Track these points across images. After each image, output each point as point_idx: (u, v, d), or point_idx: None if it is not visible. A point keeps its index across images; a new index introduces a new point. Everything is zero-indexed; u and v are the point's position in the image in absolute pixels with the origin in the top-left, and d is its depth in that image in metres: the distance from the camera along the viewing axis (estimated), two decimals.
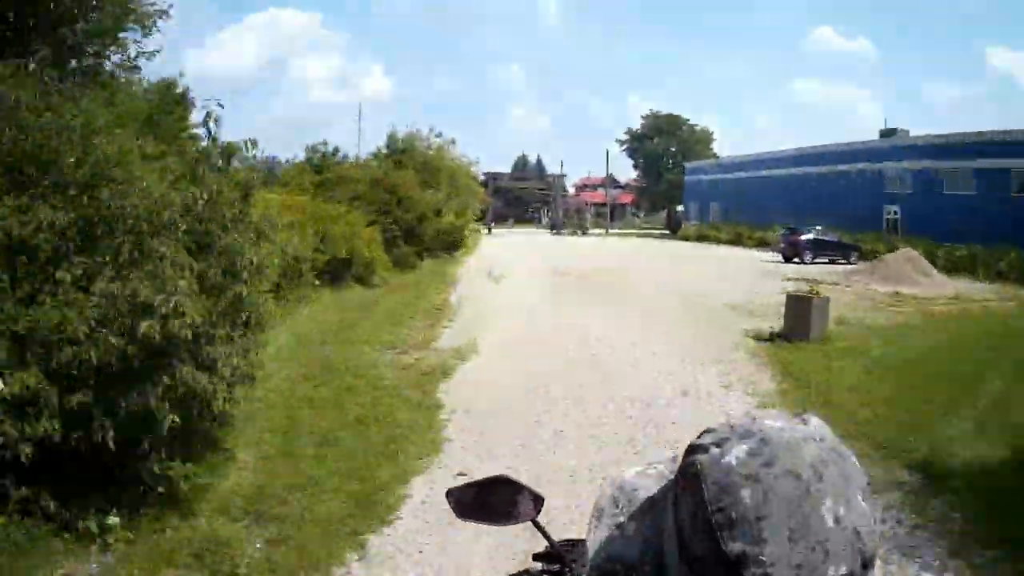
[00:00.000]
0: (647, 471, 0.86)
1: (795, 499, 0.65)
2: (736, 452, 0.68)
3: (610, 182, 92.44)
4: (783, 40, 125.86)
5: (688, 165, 59.65)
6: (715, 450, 0.70)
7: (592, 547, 0.82)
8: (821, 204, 37.39)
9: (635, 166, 79.08)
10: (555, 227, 57.87)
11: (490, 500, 1.24)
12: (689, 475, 0.70)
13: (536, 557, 1.21)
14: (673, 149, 77.68)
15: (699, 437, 0.73)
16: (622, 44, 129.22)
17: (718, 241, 42.58)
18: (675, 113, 79.10)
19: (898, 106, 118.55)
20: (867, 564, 0.66)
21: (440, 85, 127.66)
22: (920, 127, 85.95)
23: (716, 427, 0.74)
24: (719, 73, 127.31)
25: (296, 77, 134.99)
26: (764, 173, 45.28)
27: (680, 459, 0.75)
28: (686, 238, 47.29)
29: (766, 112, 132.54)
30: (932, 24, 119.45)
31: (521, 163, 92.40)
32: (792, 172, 42.35)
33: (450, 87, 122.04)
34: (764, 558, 0.63)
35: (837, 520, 0.65)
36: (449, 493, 1.27)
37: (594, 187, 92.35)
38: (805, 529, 0.64)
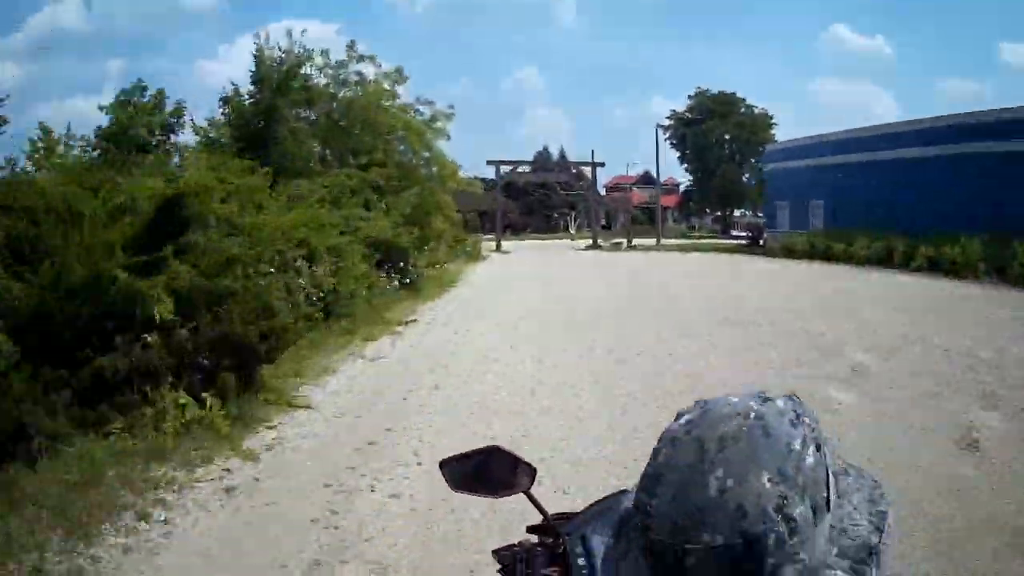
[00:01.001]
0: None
1: (689, 464, 0.70)
2: (681, 419, 0.76)
3: (646, 180, 77.62)
4: (799, 38, 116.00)
5: (770, 147, 43.91)
6: (677, 420, 0.77)
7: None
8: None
9: (682, 158, 63.42)
10: (594, 238, 42.61)
11: (483, 471, 1.30)
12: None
13: (530, 529, 1.26)
14: (727, 137, 62.78)
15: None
16: (639, 44, 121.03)
17: (855, 260, 27.35)
18: (728, 91, 64.20)
19: (912, 103, 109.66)
20: (752, 542, 0.67)
21: (458, 92, 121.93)
22: None
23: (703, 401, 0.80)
24: (736, 71, 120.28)
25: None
26: (908, 154, 29.91)
27: None
28: (778, 252, 32.39)
29: (784, 111, 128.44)
30: (945, 20, 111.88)
31: (543, 158, 77.53)
32: (962, 150, 26.96)
33: (468, 94, 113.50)
34: (650, 509, 0.70)
35: (721, 491, 0.68)
36: (443, 464, 1.35)
37: (628, 187, 76.98)
38: (686, 493, 0.69)
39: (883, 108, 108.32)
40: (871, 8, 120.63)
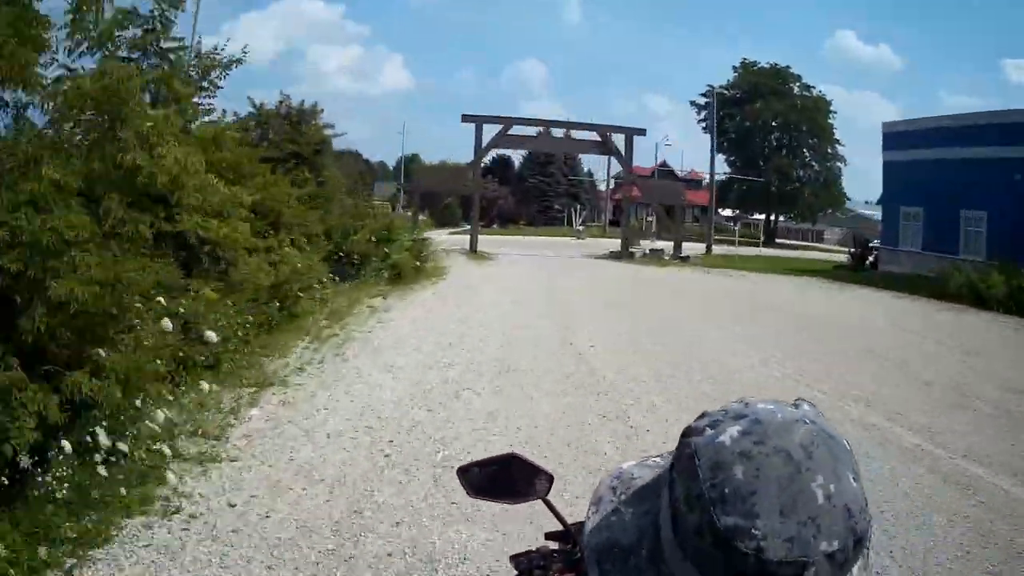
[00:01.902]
0: (646, 462, 0.87)
1: (786, 476, 0.67)
2: (730, 432, 0.71)
3: (664, 173, 64.88)
4: (804, 42, 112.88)
5: (886, 126, 30.52)
6: (709, 431, 0.72)
7: (589, 532, 0.82)
8: None
9: (720, 147, 49.95)
10: (625, 242, 28.99)
11: (501, 479, 1.28)
12: (684, 456, 0.72)
13: (548, 536, 1.27)
14: (775, 123, 50.02)
15: (695, 421, 0.76)
16: (640, 41, 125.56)
17: None
18: (782, 64, 51.36)
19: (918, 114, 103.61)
20: (859, 541, 0.68)
21: (461, 78, 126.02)
22: None
23: (710, 411, 0.76)
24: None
25: (316, 67, 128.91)
26: None
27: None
28: (902, 284, 20.03)
29: None
30: (951, 36, 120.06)
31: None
32: None
33: (471, 79, 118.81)
34: (756, 531, 0.65)
35: (828, 497, 0.66)
36: (460, 471, 1.32)
37: (633, 178, 64.09)
38: (795, 504, 0.66)
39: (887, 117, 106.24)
40: (877, 16, 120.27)
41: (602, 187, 63.58)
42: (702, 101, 50.49)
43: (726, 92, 50.24)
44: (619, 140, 29.16)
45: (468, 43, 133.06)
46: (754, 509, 0.66)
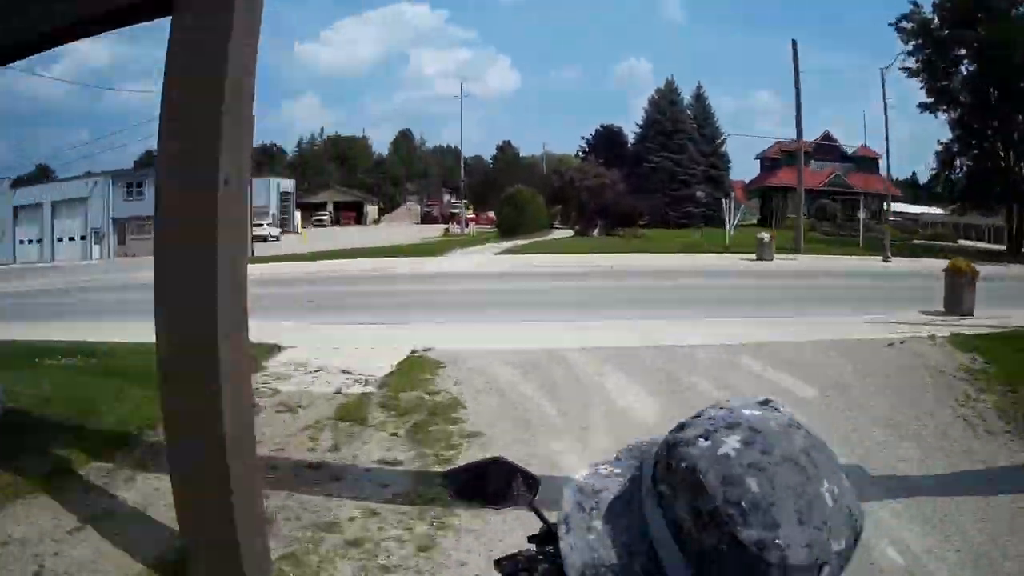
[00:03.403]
0: (599, 471, 0.86)
1: (798, 484, 0.69)
2: (731, 443, 0.72)
3: (825, 150, 49.06)
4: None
5: None
6: (704, 443, 0.73)
7: (568, 556, 0.80)
8: None
9: (928, 106, 33.43)
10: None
11: (486, 483, 1.30)
12: (680, 470, 0.72)
13: (532, 540, 1.24)
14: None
15: (676, 431, 0.76)
16: (745, 39, 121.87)
17: None
18: None
19: None
20: (858, 538, 0.72)
21: (565, 78, 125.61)
22: None
23: (691, 420, 0.76)
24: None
25: (420, 72, 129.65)
26: None
27: (628, 455, 0.84)
28: None
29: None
30: None
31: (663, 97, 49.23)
32: None
33: (574, 80, 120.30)
34: (780, 541, 0.67)
35: (835, 500, 0.70)
36: (445, 476, 1.39)
37: (780, 160, 47.95)
38: (811, 511, 0.69)
39: None
40: None
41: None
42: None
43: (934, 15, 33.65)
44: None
45: (571, 43, 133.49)
46: (775, 520, 0.68)
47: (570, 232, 41.78)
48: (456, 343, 8.71)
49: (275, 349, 8.39)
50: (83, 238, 46.83)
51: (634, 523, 0.77)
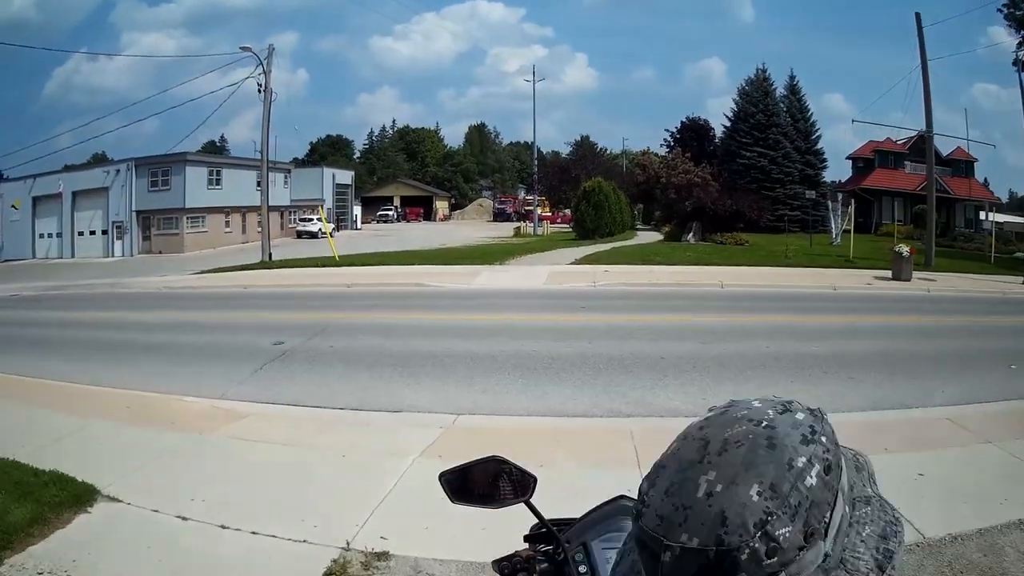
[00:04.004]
0: None
1: (689, 461, 0.71)
2: (705, 416, 0.76)
3: (919, 150, 45.39)
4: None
5: None
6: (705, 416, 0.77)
7: None
8: None
9: None
10: None
11: (483, 482, 1.28)
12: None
13: (528, 538, 1.25)
14: None
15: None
16: (821, 42, 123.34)
17: None
18: None
19: None
20: (725, 552, 0.66)
21: (640, 77, 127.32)
22: None
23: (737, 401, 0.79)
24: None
25: (498, 68, 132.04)
26: None
27: None
28: None
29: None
30: None
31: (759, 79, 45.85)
32: None
33: (648, 79, 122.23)
34: (646, 499, 0.72)
35: (708, 494, 0.68)
36: (442, 476, 1.31)
37: (874, 160, 44.60)
38: (678, 489, 0.69)
39: None
40: None
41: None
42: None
43: None
44: None
45: (647, 42, 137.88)
46: (656, 480, 0.72)
47: (656, 235, 39.08)
48: (449, 530, 4.04)
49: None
50: (104, 232, 43.00)
51: None
